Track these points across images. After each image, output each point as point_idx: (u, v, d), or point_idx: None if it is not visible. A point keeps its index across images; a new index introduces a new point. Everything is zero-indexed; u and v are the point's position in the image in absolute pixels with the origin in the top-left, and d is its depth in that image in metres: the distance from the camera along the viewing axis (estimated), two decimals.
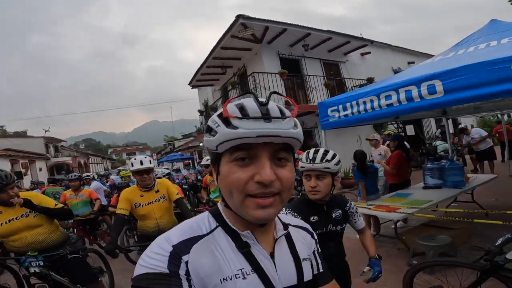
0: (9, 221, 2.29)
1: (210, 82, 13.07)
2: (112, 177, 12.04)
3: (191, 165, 11.42)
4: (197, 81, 12.90)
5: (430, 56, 10.54)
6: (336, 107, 3.51)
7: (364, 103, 3.11)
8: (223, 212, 0.65)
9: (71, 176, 5.00)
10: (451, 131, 8.92)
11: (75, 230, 5.06)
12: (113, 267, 3.38)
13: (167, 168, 7.39)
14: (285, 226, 0.72)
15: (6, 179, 2.25)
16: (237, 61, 10.66)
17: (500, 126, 8.50)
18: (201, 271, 0.56)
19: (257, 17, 8.23)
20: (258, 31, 8.67)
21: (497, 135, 9.19)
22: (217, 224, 0.64)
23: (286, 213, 1.42)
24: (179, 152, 20.56)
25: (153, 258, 0.55)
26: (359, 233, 1.71)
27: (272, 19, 8.48)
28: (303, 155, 1.54)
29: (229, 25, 8.40)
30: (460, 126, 8.43)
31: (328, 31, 9.82)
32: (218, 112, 0.58)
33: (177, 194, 2.76)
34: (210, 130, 0.58)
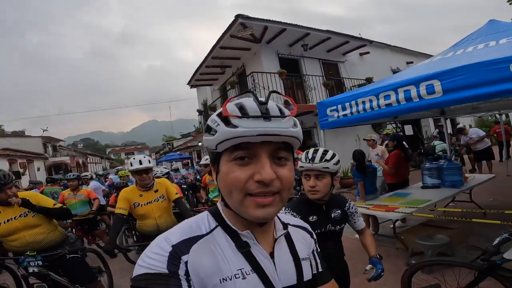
0: (8, 221, 2.28)
1: (209, 82, 13.06)
2: (111, 176, 12.01)
3: (190, 164, 11.41)
4: (196, 81, 12.89)
5: (429, 56, 10.57)
6: (335, 107, 3.51)
7: (363, 103, 3.11)
8: (223, 212, 0.65)
9: (70, 175, 4.99)
10: (449, 131, 8.95)
11: (73, 230, 5.05)
12: (112, 267, 3.37)
13: (166, 168, 7.38)
14: (285, 225, 0.72)
15: (5, 178, 2.25)
16: (236, 61, 10.66)
17: (498, 126, 8.53)
18: (201, 271, 0.56)
19: (256, 17, 8.23)
20: (257, 31, 8.67)
21: (495, 135, 9.23)
22: (217, 224, 0.64)
23: (286, 212, 1.42)
24: (178, 152, 20.52)
25: (152, 258, 0.55)
26: (359, 233, 1.69)
27: (271, 19, 8.49)
28: (302, 155, 1.54)
29: (228, 25, 8.40)
30: (458, 126, 8.45)
31: (327, 31, 9.83)
32: (218, 112, 0.58)
33: (176, 193, 2.76)
34: (209, 130, 0.58)
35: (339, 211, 1.57)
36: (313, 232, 0.83)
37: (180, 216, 2.72)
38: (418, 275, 2.15)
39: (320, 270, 0.77)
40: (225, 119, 0.55)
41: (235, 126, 0.53)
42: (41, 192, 5.83)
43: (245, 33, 8.19)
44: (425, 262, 2.16)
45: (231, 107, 0.56)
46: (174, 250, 0.56)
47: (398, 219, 3.64)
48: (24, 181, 16.35)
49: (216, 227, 0.63)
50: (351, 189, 7.26)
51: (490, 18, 3.48)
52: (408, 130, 9.95)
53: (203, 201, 5.11)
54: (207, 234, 0.61)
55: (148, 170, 2.60)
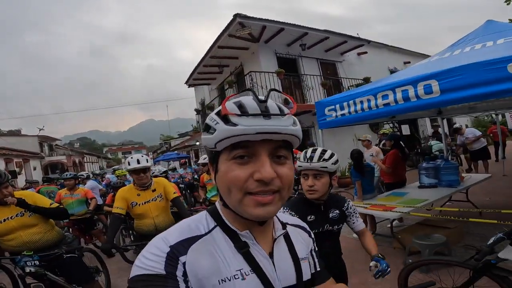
0: (4, 220, 2.27)
1: (207, 81, 13.03)
2: (108, 176, 11.95)
3: (187, 164, 11.38)
4: (194, 80, 12.86)
5: (426, 56, 10.62)
6: (333, 107, 3.52)
7: (361, 102, 3.12)
8: (221, 212, 0.64)
9: (66, 175, 4.95)
10: (446, 130, 9.00)
11: (70, 229, 5.01)
12: (109, 267, 3.36)
13: (163, 167, 7.35)
14: (284, 225, 0.72)
15: (0, 178, 2.23)
16: (234, 60, 10.64)
17: (495, 127, 8.59)
18: (199, 272, 0.55)
19: (254, 16, 8.22)
20: (255, 30, 8.66)
21: (491, 135, 9.30)
22: (215, 224, 0.63)
23: (284, 212, 1.42)
24: (176, 151, 20.46)
25: (150, 259, 0.54)
26: (359, 235, 1.64)
27: (269, 19, 8.49)
28: (301, 154, 1.53)
29: (226, 24, 8.38)
30: (454, 126, 8.51)
31: (325, 31, 9.84)
32: (216, 110, 0.58)
33: (174, 193, 2.75)
34: (208, 128, 0.57)
35: (337, 211, 1.57)
36: (311, 232, 0.83)
37: (178, 215, 2.71)
38: (415, 274, 2.16)
39: (318, 269, 0.77)
40: (225, 118, 0.55)
41: (235, 124, 0.53)
42: (38, 192, 5.78)
43: (243, 33, 8.18)
44: (421, 261, 2.16)
45: (230, 105, 0.55)
46: (172, 250, 0.55)
47: (395, 219, 3.65)
48: (20, 181, 16.23)
49: (215, 227, 0.63)
50: (348, 189, 7.29)
51: (490, 18, 3.51)
52: (405, 130, 10.00)
53: (201, 200, 5.10)
54: (206, 234, 0.61)
55: (146, 169, 2.59)
